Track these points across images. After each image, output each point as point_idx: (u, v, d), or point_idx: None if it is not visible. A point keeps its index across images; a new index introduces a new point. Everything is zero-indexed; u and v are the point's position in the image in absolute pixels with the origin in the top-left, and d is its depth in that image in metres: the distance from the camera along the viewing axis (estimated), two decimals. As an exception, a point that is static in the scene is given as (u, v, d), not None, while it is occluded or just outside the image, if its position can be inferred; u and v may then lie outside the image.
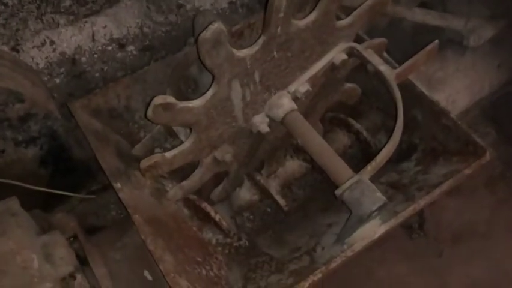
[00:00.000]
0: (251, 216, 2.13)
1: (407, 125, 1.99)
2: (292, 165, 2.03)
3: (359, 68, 1.77)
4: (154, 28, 2.06)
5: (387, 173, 1.99)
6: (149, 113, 1.23)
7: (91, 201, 2.14)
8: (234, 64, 1.28)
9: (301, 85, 1.54)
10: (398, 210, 1.58)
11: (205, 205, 1.76)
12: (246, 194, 1.95)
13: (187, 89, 1.89)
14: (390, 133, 2.21)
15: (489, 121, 2.48)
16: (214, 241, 1.84)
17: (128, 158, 1.74)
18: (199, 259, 1.60)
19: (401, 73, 1.50)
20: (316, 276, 1.40)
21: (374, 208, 1.33)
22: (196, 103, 1.32)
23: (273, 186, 1.92)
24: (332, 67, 1.55)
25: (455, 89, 2.22)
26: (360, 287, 2.20)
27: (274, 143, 1.79)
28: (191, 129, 1.41)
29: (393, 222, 1.50)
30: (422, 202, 1.55)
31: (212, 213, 1.76)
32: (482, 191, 2.47)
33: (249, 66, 1.33)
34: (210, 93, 1.32)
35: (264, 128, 1.54)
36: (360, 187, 1.35)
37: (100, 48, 1.96)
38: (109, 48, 2.00)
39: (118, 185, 1.52)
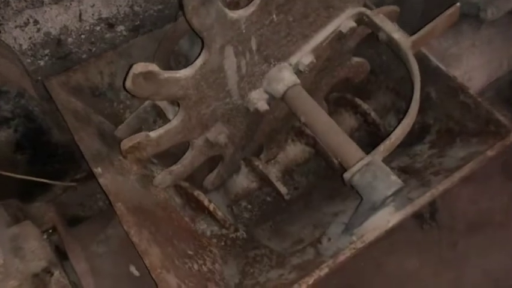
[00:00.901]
0: (249, 206, 1.96)
1: (420, 103, 1.83)
2: (294, 150, 1.86)
3: (368, 39, 1.59)
4: (145, 7, 1.89)
5: (399, 157, 1.82)
6: (128, 83, 1.06)
7: (75, 190, 1.98)
8: (227, 27, 1.10)
9: (305, 56, 1.36)
10: (413, 197, 1.41)
11: (198, 193, 1.59)
12: (243, 181, 1.78)
13: (177, 65, 1.71)
14: (400, 115, 2.06)
15: (505, 103, 2.29)
16: (208, 233, 1.67)
17: (112, 141, 1.56)
18: (190, 252, 1.43)
19: (417, 41, 1.33)
20: (323, 271, 1.23)
21: (389, 193, 1.16)
22: (184, 73, 1.15)
23: (273, 173, 1.75)
24: (339, 36, 1.38)
25: (471, 66, 2.03)
26: (369, 282, 2.03)
27: (274, 124, 1.61)
28: (179, 105, 1.23)
29: (408, 210, 1.33)
30: (440, 187, 1.37)
31: (206, 202, 1.59)
32: (498, 177, 2.30)
33: (244, 31, 1.15)
34: (199, 61, 1.15)
35: (263, 106, 1.36)
36: (372, 170, 1.18)
37: (87, 28, 1.79)
38: (98, 28, 1.82)
39: (98, 170, 1.35)
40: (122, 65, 1.66)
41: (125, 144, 1.22)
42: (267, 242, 1.66)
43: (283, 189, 1.74)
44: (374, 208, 1.20)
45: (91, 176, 2.00)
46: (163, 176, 1.43)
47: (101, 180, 1.33)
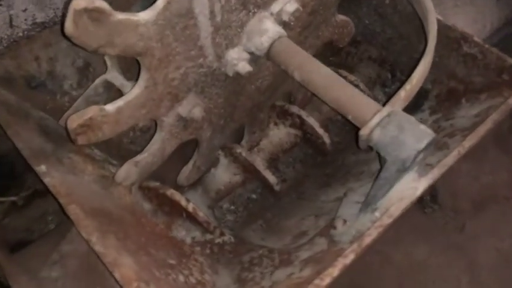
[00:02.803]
0: (232, 207, 1.67)
1: (413, 66, 1.62)
2: (278, 134, 1.60)
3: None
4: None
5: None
6: (69, 24, 0.77)
7: (20, 213, 1.63)
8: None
9: (288, 3, 1.11)
10: (432, 162, 1.17)
11: (172, 192, 1.30)
12: (224, 175, 1.49)
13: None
14: (386, 88, 1.85)
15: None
16: (189, 240, 1.37)
17: (59, 138, 1.25)
18: (171, 261, 1.13)
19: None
20: (348, 258, 0.96)
21: (422, 146, 0.92)
22: (143, 16, 0.87)
23: (258, 162, 1.48)
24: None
25: (455, 27, 1.86)
26: (377, 278, 1.78)
27: (256, 98, 1.35)
28: (139, 64, 0.95)
29: (436, 173, 1.09)
30: (466, 143, 1.15)
31: (183, 202, 1.30)
32: (494, 151, 2.12)
33: (217, -41, 0.89)
34: (162, 0, 0.87)
35: (244, 67, 1.10)
36: (396, 120, 0.94)
37: (20, 35, 1.49)
38: (33, 34, 1.53)
39: (42, 168, 1.04)
40: (63, 47, 1.36)
41: (74, 121, 0.92)
42: (261, 243, 1.38)
43: (272, 179, 1.48)
44: (403, 169, 0.95)
45: (39, 194, 1.68)
46: (127, 169, 1.13)
47: (46, 180, 1.02)
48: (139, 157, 1.13)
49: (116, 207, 1.15)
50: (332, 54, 1.79)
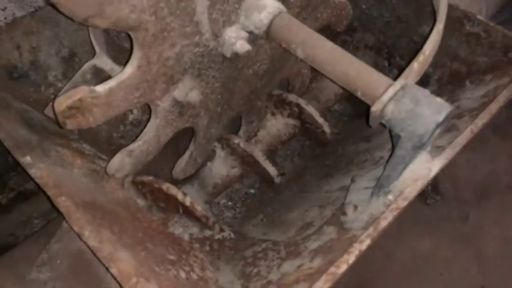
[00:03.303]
0: (230, 203, 1.59)
1: (413, 49, 1.57)
2: (276, 125, 1.53)
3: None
4: None
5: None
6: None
7: (4, 217, 1.53)
8: None
9: (288, -23, 1.05)
10: (442, 144, 1.11)
11: (167, 186, 1.22)
12: (221, 167, 1.42)
13: (119, 34, 1.36)
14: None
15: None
16: (186, 237, 1.28)
17: (44, 130, 1.17)
18: (171, 257, 1.05)
19: None
20: (364, 243, 0.89)
21: (441, 119, 0.85)
22: (136, -16, 0.79)
23: (257, 152, 1.40)
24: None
25: (452, 13, 1.82)
26: (381, 275, 1.71)
27: (254, 83, 1.28)
28: (131, 40, 0.88)
29: (449, 153, 1.03)
30: (479, 122, 1.09)
31: (179, 196, 1.22)
32: (493, 139, 2.07)
33: None
34: (156, -32, 0.80)
35: (243, 46, 1.03)
36: (411, 94, 0.87)
37: None
38: None
39: (27, 159, 0.95)
40: (47, 36, 1.28)
41: (62, 102, 0.83)
42: (264, 237, 1.30)
43: (272, 170, 1.41)
44: (420, 145, 0.88)
45: (23, 196, 1.59)
46: (120, 160, 1.05)
47: (32, 171, 0.93)
48: (132, 146, 1.05)
49: (109, 202, 1.07)
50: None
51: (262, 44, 1.17)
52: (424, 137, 0.86)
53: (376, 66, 1.76)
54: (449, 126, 1.22)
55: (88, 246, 0.86)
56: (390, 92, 0.88)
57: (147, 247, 1.00)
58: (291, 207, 1.43)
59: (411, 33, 1.52)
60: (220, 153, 1.42)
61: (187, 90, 1.03)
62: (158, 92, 0.99)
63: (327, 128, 1.51)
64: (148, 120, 1.09)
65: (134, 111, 1.44)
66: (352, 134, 1.69)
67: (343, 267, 0.86)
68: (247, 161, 1.40)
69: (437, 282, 1.72)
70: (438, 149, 1.08)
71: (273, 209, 1.48)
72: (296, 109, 1.49)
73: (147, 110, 1.47)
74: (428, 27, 1.46)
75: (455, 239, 1.81)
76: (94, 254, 0.86)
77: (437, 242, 1.80)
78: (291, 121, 1.53)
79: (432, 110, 0.85)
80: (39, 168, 0.94)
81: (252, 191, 1.61)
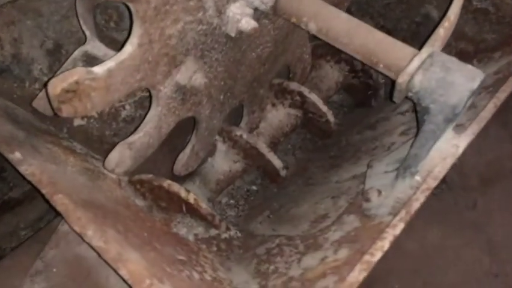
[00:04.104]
0: (232, 201, 1.50)
1: (415, 32, 1.51)
2: (278, 116, 1.45)
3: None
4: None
5: (405, 100, 1.47)
6: None
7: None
8: None
9: None
10: (461, 122, 1.05)
11: (169, 183, 1.12)
12: (223, 162, 1.33)
13: (108, 23, 1.27)
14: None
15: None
16: (191, 238, 1.19)
17: (31, 127, 1.07)
18: (181, 257, 0.95)
19: None
20: (398, 228, 0.81)
21: (475, 86, 0.79)
22: None
23: (260, 144, 1.32)
24: None
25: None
26: (391, 268, 1.63)
27: (257, 69, 1.20)
28: (131, 16, 0.79)
29: (475, 128, 0.97)
30: (501, 95, 1.03)
31: (182, 193, 1.12)
32: (494, 125, 2.02)
33: None
34: None
35: (249, 23, 0.95)
36: (440, 61, 0.80)
37: None
38: None
39: (17, 155, 0.85)
40: (29, 26, 1.18)
41: (57, 85, 0.73)
42: (274, 233, 1.22)
43: (277, 163, 1.33)
44: (453, 117, 0.81)
45: (8, 206, 1.47)
46: (119, 153, 0.95)
47: (23, 168, 0.83)
48: (132, 138, 0.96)
49: (108, 201, 0.97)
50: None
51: (266, 25, 1.10)
52: (458, 107, 0.79)
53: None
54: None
55: (92, 248, 0.76)
56: (417, 62, 0.81)
57: (155, 247, 0.90)
58: (299, 201, 1.34)
59: (413, 14, 1.47)
60: (221, 147, 1.33)
61: (191, 74, 0.95)
62: (160, 75, 0.90)
63: (331, 117, 1.44)
64: (145, 114, 1.00)
65: (127, 107, 1.34)
66: (355, 123, 1.62)
67: (378, 255, 0.78)
68: (251, 154, 1.32)
69: (450, 273, 1.65)
70: (460, 128, 1.01)
71: (279, 204, 1.39)
72: (298, 98, 1.41)
73: (141, 105, 1.39)
74: (431, 5, 1.40)
75: (464, 228, 1.75)
76: (100, 256, 0.76)
77: (446, 232, 1.74)
78: (293, 111, 1.45)
79: (465, 77, 0.78)
80: (31, 165, 0.84)
81: (254, 187, 1.53)
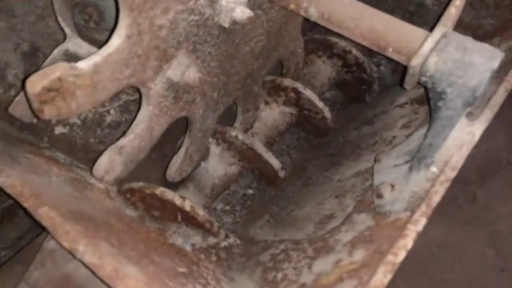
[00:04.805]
0: (227, 207, 1.42)
1: (409, 21, 1.46)
2: (272, 115, 1.38)
3: None
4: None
5: (402, 93, 1.42)
6: None
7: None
8: None
9: None
10: (471, 110, 0.99)
11: (162, 190, 1.04)
12: (217, 166, 1.25)
13: (87, 23, 1.18)
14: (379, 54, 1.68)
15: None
16: (188, 248, 1.10)
17: (9, 138, 0.98)
18: (182, 270, 0.87)
19: None
20: (420, 223, 0.75)
21: (496, 65, 0.73)
22: None
23: (257, 144, 1.25)
24: None
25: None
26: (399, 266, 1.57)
27: (251, 64, 1.13)
28: (117, 4, 0.71)
29: (489, 114, 0.91)
30: (510, 78, 0.97)
31: (177, 201, 1.04)
32: (486, 116, 2.00)
33: None
34: None
35: (243, 12, 0.88)
36: (456, 41, 0.74)
37: None
38: None
39: (-7, 166, 0.76)
40: (2, 28, 1.09)
41: (37, 82, 0.65)
42: (277, 238, 1.14)
43: (276, 163, 1.26)
44: (472, 100, 0.75)
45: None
46: (109, 158, 0.87)
47: (0, 180, 0.74)
48: (122, 141, 0.88)
49: (98, 212, 0.89)
50: (310, 28, 1.60)
51: (259, 16, 1.03)
52: (478, 89, 0.73)
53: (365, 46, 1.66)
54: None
55: (85, 265, 0.68)
56: (430, 43, 0.75)
57: (154, 260, 0.82)
58: (300, 202, 1.27)
59: (407, 4, 1.42)
60: (215, 150, 1.25)
61: (183, 69, 0.87)
62: (150, 70, 0.82)
63: (327, 113, 1.38)
64: (133, 118, 0.92)
65: (112, 111, 1.26)
66: (350, 120, 1.56)
67: (402, 254, 0.72)
68: (247, 156, 1.25)
69: (455, 269, 1.60)
70: (470, 115, 0.96)
71: (279, 207, 1.32)
72: (293, 95, 1.34)
73: (126, 109, 1.30)
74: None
75: (466, 222, 1.70)
76: (94, 274, 0.67)
77: (449, 227, 1.68)
78: (288, 109, 1.38)
79: (485, 56, 0.73)
80: (9, 176, 0.75)
81: (250, 191, 1.45)
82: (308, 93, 1.33)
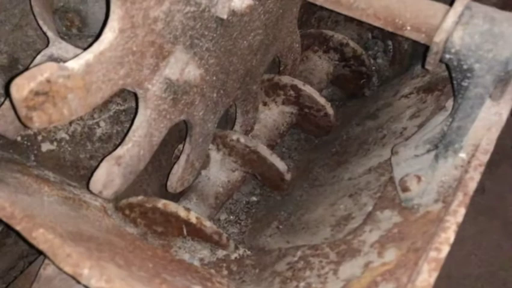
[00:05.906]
0: (231, 217, 1.34)
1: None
2: (271, 115, 1.31)
3: None
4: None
5: (406, 83, 1.36)
6: None
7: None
8: None
9: None
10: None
11: (164, 203, 0.96)
12: (220, 173, 1.17)
13: (69, 30, 1.10)
14: (369, 51, 1.63)
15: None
16: (196, 263, 1.02)
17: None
18: (197, 287, 0.79)
19: None
20: (459, 213, 0.69)
21: (528, 34, 0.66)
22: None
23: (261, 147, 1.17)
24: None
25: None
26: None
27: (249, 60, 1.06)
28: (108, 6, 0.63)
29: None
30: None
31: (182, 213, 0.96)
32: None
33: None
34: None
35: (242, 1, 0.81)
36: (481, 12, 0.68)
37: None
38: None
39: (-23, 188, 0.67)
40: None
41: (23, 86, 0.57)
42: (291, 245, 1.06)
43: (282, 165, 1.18)
44: (506, 75, 0.69)
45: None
46: (107, 170, 0.78)
47: (-12, 202, 0.65)
48: (120, 151, 0.79)
49: (98, 231, 0.80)
50: (301, 24, 1.54)
51: (256, 7, 0.96)
52: (511, 62, 0.67)
53: (361, 39, 1.60)
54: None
55: (90, 291, 0.59)
56: (453, 16, 0.69)
57: (166, 279, 0.73)
58: (310, 206, 1.20)
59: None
60: (215, 156, 1.17)
61: (182, 66, 0.79)
62: (147, 69, 0.74)
63: (330, 109, 1.31)
64: (129, 125, 0.84)
65: (102, 123, 1.17)
66: (351, 116, 1.49)
67: (445, 249, 0.65)
68: (250, 160, 1.17)
69: (472, 263, 1.54)
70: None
71: (287, 212, 1.24)
72: (292, 92, 1.28)
73: (117, 121, 1.22)
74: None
75: (477, 214, 1.65)
76: (102, 300, 0.59)
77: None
78: (287, 108, 1.31)
79: (514, 27, 0.66)
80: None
81: (254, 198, 1.37)
82: (308, 89, 1.26)
